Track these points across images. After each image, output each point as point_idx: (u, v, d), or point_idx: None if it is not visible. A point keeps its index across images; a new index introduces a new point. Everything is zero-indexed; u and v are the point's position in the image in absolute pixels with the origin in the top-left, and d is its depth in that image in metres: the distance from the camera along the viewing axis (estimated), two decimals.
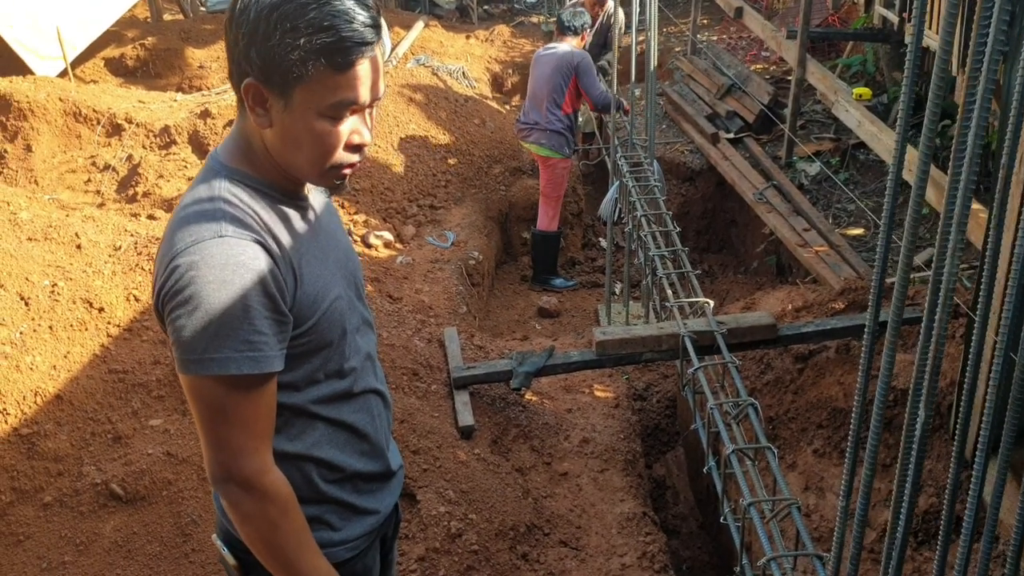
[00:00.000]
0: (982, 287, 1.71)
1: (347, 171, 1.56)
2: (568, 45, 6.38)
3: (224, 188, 1.53)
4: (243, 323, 1.44)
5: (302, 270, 1.56)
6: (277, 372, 1.52)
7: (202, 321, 1.43)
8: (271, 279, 1.48)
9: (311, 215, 1.66)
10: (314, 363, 1.62)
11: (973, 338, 1.80)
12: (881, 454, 3.37)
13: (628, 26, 6.37)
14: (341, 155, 1.52)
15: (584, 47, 6.52)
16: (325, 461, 1.69)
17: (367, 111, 1.53)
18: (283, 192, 1.59)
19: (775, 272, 6.25)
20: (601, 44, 7.56)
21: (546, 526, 3.57)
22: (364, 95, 1.48)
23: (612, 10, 7.15)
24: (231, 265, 1.44)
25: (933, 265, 1.60)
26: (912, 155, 3.94)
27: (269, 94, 1.46)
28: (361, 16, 1.44)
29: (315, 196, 1.70)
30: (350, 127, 1.51)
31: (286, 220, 1.58)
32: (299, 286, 1.55)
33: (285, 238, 1.55)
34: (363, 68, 1.46)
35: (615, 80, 5.62)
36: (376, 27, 1.47)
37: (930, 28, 4.64)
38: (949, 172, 1.53)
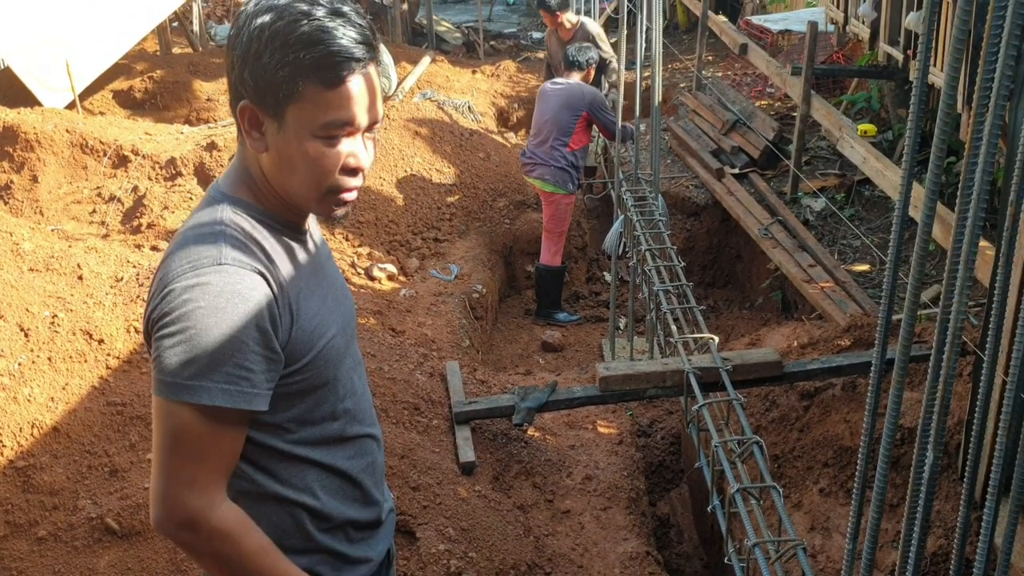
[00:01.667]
0: (990, 325, 1.68)
1: (345, 196, 1.50)
2: (575, 80, 6.37)
3: (227, 215, 1.49)
4: (231, 355, 1.39)
5: (299, 305, 1.52)
6: (255, 412, 1.45)
7: (188, 347, 1.38)
8: (267, 313, 1.43)
9: (312, 249, 1.62)
10: (307, 403, 1.57)
11: (982, 377, 1.77)
12: (889, 494, 3.32)
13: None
14: (337, 178, 1.47)
15: (591, 81, 6.52)
16: (316, 508, 1.62)
17: (365, 134, 1.49)
18: (285, 224, 1.55)
19: (780, 308, 6.21)
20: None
21: (547, 565, 3.51)
22: (356, 115, 1.44)
23: (593, 29, 7.13)
24: (226, 294, 1.40)
25: (941, 303, 1.57)
26: (918, 192, 3.93)
27: (264, 116, 1.44)
28: (352, 32, 1.41)
29: (314, 231, 1.67)
30: (346, 149, 1.46)
31: (289, 252, 1.54)
32: (295, 322, 1.50)
33: (286, 271, 1.51)
34: (353, 86, 1.42)
35: (620, 113, 5.63)
36: (369, 45, 1.44)
37: (935, 66, 4.65)
38: (956, 209, 1.51)
